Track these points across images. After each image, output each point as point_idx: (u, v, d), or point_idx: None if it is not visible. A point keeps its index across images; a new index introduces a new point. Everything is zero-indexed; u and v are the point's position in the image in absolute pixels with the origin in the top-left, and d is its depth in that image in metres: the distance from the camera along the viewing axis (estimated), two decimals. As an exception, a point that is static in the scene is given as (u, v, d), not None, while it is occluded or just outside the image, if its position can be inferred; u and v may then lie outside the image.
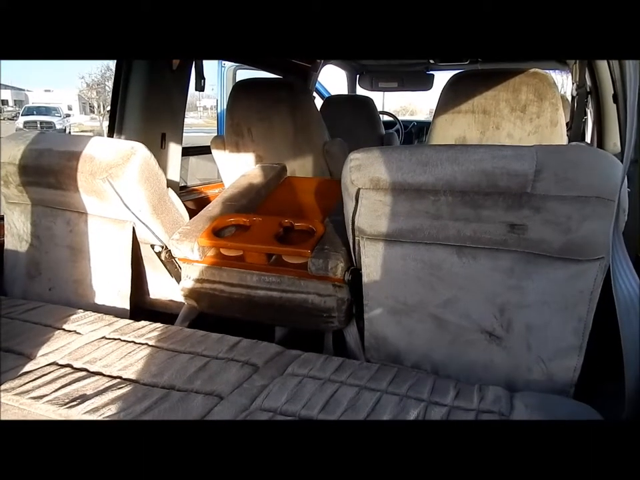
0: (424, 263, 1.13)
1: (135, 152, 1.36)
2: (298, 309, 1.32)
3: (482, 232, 1.05)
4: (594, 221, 0.97)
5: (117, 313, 1.40)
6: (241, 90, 2.18)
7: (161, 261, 1.53)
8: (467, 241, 1.08)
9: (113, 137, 2.08)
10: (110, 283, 1.48)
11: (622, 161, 2.16)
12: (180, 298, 1.48)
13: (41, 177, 1.44)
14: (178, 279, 1.51)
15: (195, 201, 2.46)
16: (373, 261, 1.17)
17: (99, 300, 1.47)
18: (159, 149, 2.18)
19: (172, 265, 1.52)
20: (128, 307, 1.46)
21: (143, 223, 1.44)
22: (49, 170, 1.42)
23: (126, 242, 1.45)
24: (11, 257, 1.61)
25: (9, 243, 1.61)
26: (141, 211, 1.40)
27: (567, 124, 2.23)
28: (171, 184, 2.27)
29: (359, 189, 1.09)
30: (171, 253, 1.45)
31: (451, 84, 1.95)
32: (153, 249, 1.52)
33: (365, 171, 1.08)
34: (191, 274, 1.41)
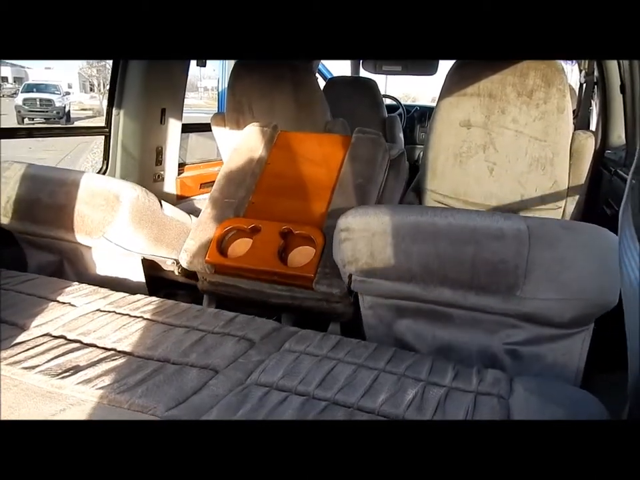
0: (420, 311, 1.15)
1: (121, 200, 1.35)
2: (310, 310, 1.35)
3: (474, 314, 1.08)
4: (582, 311, 0.98)
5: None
6: (243, 67, 2.15)
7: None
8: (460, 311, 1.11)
9: (112, 110, 2.05)
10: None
11: (626, 152, 2.11)
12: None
13: (39, 229, 1.46)
14: (195, 280, 1.53)
15: (192, 178, 2.43)
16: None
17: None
18: (158, 124, 2.15)
19: (186, 272, 1.54)
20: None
21: (150, 254, 1.45)
22: (45, 224, 1.43)
23: (137, 269, 1.48)
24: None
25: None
26: (144, 248, 1.42)
27: (573, 111, 2.19)
28: (169, 160, 2.25)
29: (351, 274, 1.11)
30: (182, 266, 1.46)
31: (458, 66, 1.92)
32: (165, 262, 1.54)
33: (355, 252, 1.09)
34: (207, 278, 1.43)
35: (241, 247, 1.40)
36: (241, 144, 1.63)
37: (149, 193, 1.43)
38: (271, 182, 1.54)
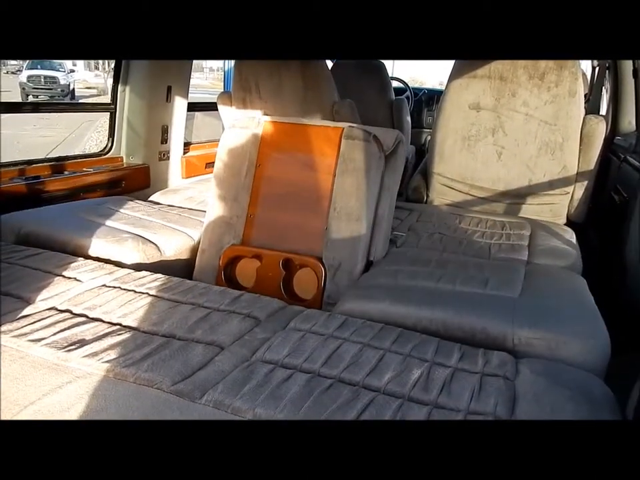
0: None
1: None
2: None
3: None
4: None
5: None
6: (250, 44, 2.11)
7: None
8: None
9: (117, 87, 2.03)
10: None
11: (637, 138, 2.08)
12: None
13: None
14: None
15: (198, 157, 2.42)
16: None
17: None
18: (164, 102, 2.13)
19: None
20: None
21: None
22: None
23: None
24: None
25: None
26: None
27: (584, 95, 2.16)
28: (175, 139, 2.23)
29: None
30: None
31: None
32: None
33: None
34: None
35: (247, 268, 1.46)
36: (227, 152, 1.55)
37: (146, 248, 1.45)
38: (265, 191, 1.49)
